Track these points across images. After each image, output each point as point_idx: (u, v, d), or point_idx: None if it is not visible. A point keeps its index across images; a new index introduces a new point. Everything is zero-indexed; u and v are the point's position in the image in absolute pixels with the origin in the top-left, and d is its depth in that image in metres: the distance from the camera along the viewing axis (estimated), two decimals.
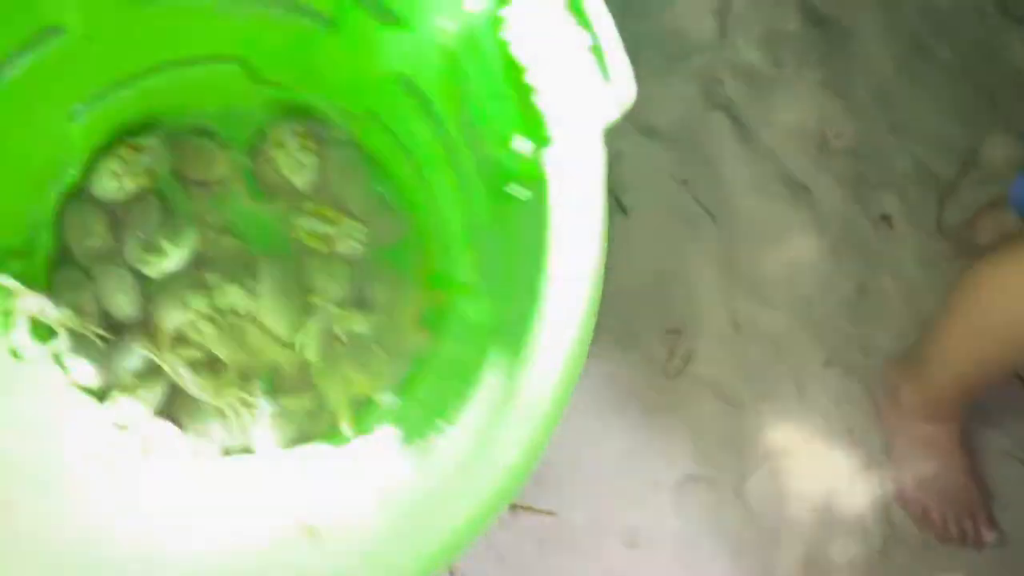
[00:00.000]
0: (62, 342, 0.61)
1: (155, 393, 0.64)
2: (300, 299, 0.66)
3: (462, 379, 0.50)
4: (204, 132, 0.69)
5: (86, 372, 0.62)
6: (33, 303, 0.58)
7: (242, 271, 0.67)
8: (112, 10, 0.53)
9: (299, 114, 0.69)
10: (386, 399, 0.59)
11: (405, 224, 0.70)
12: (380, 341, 0.65)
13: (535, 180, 0.42)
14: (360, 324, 0.65)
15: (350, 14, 0.51)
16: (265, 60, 0.62)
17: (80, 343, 0.63)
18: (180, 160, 0.68)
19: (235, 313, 0.67)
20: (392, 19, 0.50)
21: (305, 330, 0.66)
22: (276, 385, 0.67)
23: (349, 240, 0.67)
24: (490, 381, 0.45)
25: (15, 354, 0.58)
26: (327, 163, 0.69)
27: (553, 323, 0.40)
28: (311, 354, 0.66)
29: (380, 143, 0.66)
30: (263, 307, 0.66)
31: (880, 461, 0.81)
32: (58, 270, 0.65)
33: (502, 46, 0.42)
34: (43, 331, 0.60)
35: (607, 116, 0.43)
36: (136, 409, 0.62)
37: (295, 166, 0.67)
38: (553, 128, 0.42)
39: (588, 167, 0.42)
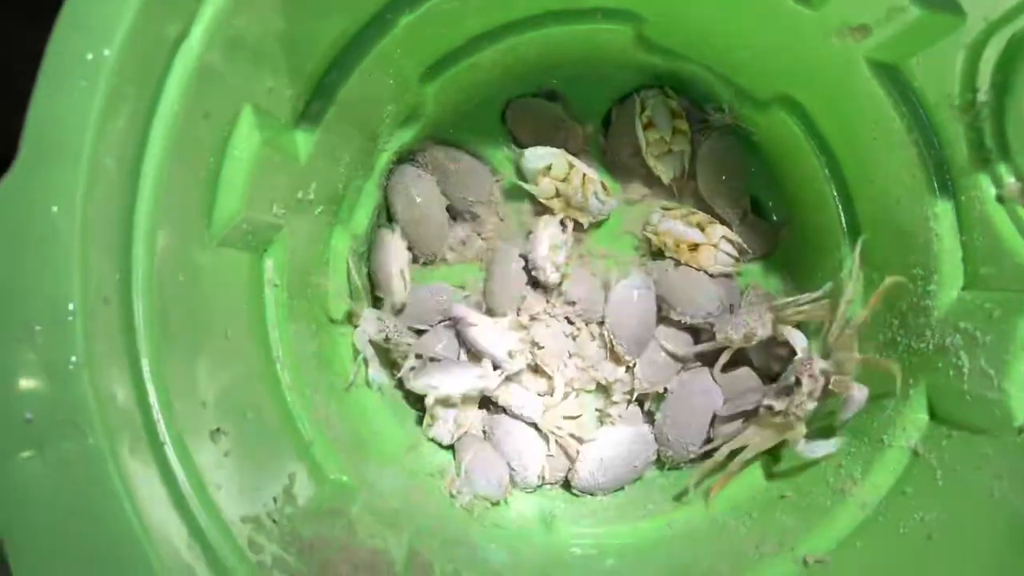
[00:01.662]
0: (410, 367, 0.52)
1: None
2: (650, 317, 0.54)
3: None
4: (551, 96, 0.57)
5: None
6: (371, 325, 0.49)
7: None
8: None
9: (671, 85, 0.55)
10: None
11: (774, 237, 0.57)
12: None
13: None
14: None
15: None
16: (669, 23, 0.48)
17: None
18: (521, 127, 0.56)
19: (568, 321, 0.56)
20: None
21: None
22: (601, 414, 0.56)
23: (719, 252, 0.54)
24: None
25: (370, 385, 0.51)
26: (700, 152, 0.55)
27: None
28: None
29: (779, 135, 0.51)
30: (610, 318, 0.54)
31: None
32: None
33: None
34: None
35: None
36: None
37: (662, 151, 0.54)
38: None
39: None
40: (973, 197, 0.39)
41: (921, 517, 0.38)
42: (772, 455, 0.50)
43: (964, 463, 0.38)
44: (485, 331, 0.53)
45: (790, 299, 0.49)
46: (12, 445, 0.27)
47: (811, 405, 0.45)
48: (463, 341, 0.54)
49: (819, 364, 0.44)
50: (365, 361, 0.50)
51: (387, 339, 0.50)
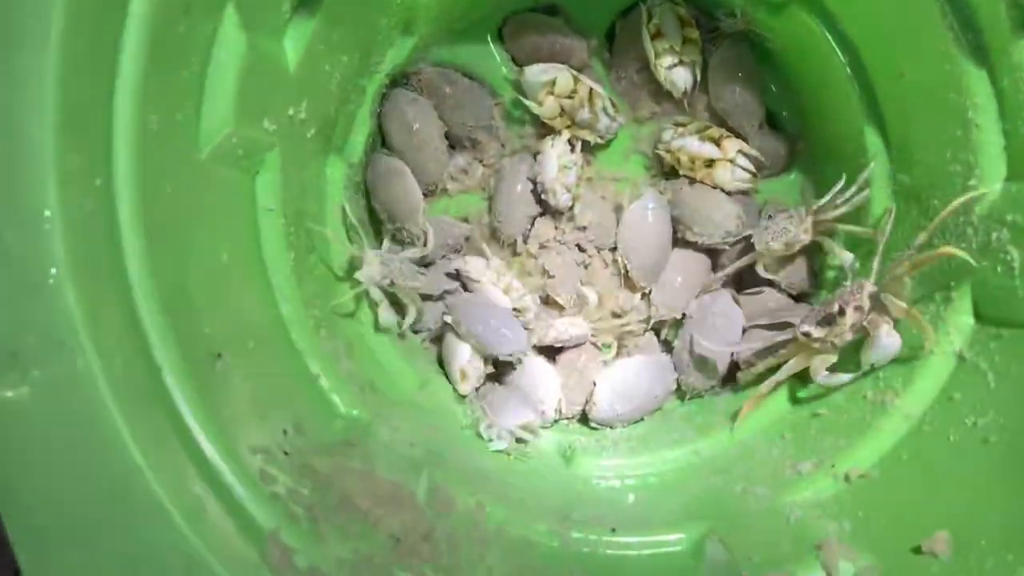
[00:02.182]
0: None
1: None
2: (666, 240, 0.52)
3: None
4: (551, 10, 0.53)
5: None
6: (375, 268, 0.46)
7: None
8: None
9: None
10: None
11: (791, 151, 0.54)
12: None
13: None
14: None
15: None
16: None
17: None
18: (520, 44, 0.53)
19: (580, 249, 0.53)
20: None
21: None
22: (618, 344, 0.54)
23: (735, 168, 0.51)
24: None
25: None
26: (711, 62, 0.52)
27: None
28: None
29: (797, 38, 0.48)
30: (623, 243, 0.51)
31: None
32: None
33: None
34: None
35: None
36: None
37: (672, 63, 0.51)
38: None
39: None
40: (1017, 79, 0.37)
41: (974, 422, 0.36)
42: (799, 376, 0.48)
43: (1018, 362, 0.36)
44: (488, 288, 0.50)
45: (828, 197, 0.46)
46: None
47: (850, 336, 0.43)
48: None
49: (868, 294, 0.41)
50: (372, 302, 0.47)
51: (392, 283, 0.47)
